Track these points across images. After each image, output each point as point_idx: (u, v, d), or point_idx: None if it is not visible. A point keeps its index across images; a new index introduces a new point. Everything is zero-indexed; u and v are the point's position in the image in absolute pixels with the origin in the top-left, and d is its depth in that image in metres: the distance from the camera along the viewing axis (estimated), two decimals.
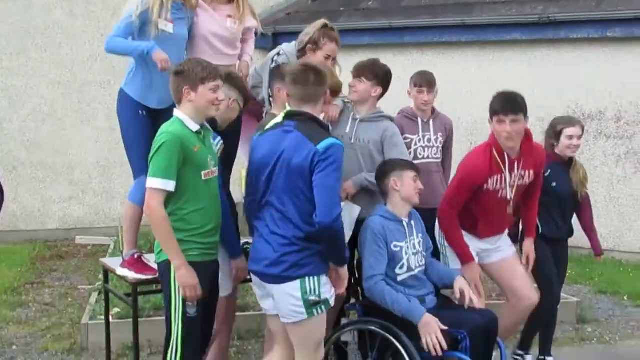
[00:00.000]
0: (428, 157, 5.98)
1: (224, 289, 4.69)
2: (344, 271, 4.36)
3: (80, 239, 10.65)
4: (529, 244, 5.49)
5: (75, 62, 10.99)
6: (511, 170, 5.10)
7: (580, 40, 10.04)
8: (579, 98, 10.06)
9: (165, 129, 4.19)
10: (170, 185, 4.11)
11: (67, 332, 6.71)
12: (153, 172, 4.12)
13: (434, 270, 5.08)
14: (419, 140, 5.95)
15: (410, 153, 5.76)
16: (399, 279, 4.79)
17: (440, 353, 4.53)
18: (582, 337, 6.73)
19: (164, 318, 4.32)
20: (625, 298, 8.17)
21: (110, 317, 5.93)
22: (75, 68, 11.01)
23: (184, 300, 4.18)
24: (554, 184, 5.68)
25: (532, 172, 5.20)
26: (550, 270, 5.73)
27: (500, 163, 5.07)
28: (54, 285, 8.41)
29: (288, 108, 4.41)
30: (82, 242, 10.57)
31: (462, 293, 4.88)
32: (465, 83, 10.42)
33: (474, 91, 10.52)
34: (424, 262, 5.00)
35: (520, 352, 5.92)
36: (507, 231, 5.49)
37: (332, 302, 4.29)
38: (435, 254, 5.32)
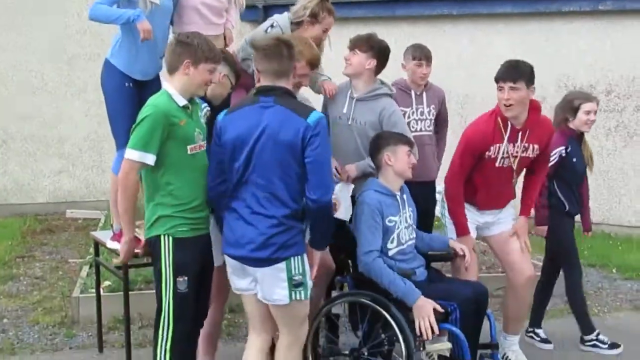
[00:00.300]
0: (421, 130, 5.97)
1: (216, 260, 4.69)
2: (318, 255, 4.28)
3: (71, 213, 10.63)
4: (521, 223, 5.39)
5: (65, 35, 10.92)
6: (513, 141, 5.09)
7: (572, 13, 10.03)
8: (570, 71, 10.06)
9: (152, 102, 4.16)
10: (148, 159, 4.09)
11: (57, 305, 6.71)
12: (133, 144, 4.10)
13: (419, 238, 5.11)
14: (412, 113, 5.93)
15: None
16: (390, 253, 4.79)
17: (430, 337, 4.56)
18: (570, 310, 6.76)
19: (154, 291, 4.30)
20: (614, 271, 8.23)
21: (101, 290, 5.94)
22: (65, 41, 10.93)
23: (175, 276, 4.17)
24: (574, 160, 5.70)
25: (536, 146, 5.17)
26: (575, 249, 5.83)
27: (504, 132, 5.06)
28: (44, 258, 8.41)
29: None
30: (73, 216, 10.56)
31: (463, 251, 5.02)
32: (457, 56, 10.40)
33: (465, 64, 10.51)
34: (414, 235, 5.02)
35: (592, 337, 5.92)
36: (510, 204, 5.46)
37: (309, 292, 4.19)
38: (423, 224, 5.35)
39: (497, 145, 5.08)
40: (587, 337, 5.91)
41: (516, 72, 4.99)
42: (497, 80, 5.04)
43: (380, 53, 5.33)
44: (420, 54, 5.96)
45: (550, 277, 6.11)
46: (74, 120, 11.06)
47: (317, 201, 3.99)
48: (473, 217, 5.33)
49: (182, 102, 4.20)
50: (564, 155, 5.67)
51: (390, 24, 10.47)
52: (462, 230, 5.24)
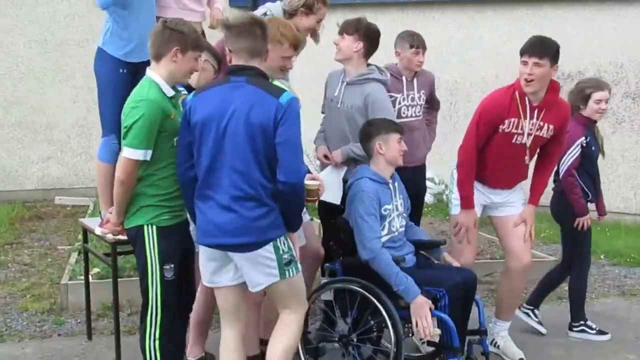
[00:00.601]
0: (411, 116, 5.96)
1: None
2: (296, 237, 4.18)
3: (60, 200, 10.61)
4: (529, 211, 5.36)
5: (53, 20, 10.86)
6: (529, 117, 5.07)
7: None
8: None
9: (145, 96, 4.10)
10: (149, 155, 4.11)
11: (46, 292, 6.71)
12: (136, 144, 4.07)
13: (411, 231, 5.14)
14: (403, 99, 5.92)
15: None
16: (382, 240, 4.79)
17: (428, 337, 4.60)
18: (559, 295, 6.79)
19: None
20: (601, 257, 8.27)
21: (90, 277, 5.93)
22: (53, 26, 10.88)
23: (162, 265, 4.17)
24: (593, 148, 5.70)
25: (551, 126, 5.14)
26: (590, 241, 5.84)
27: (520, 107, 5.04)
28: (33, 245, 8.39)
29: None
30: (62, 203, 10.53)
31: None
32: (445, 42, 10.40)
33: (454, 51, 10.52)
34: (404, 223, 5.04)
35: (580, 323, 5.95)
36: (520, 186, 5.44)
37: (299, 265, 4.12)
38: (413, 208, 5.36)
39: (513, 119, 5.06)
40: (575, 324, 5.95)
41: (543, 48, 4.98)
42: (522, 53, 5.01)
43: (368, 36, 5.36)
44: (418, 42, 5.94)
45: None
46: (63, 107, 11.01)
47: (287, 183, 3.88)
48: (481, 196, 5.32)
49: (170, 92, 4.19)
50: (584, 145, 5.66)
51: (379, 10, 10.45)
52: (466, 203, 5.22)
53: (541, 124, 5.11)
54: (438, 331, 4.69)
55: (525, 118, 5.07)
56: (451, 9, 10.63)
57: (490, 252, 7.72)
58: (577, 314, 5.96)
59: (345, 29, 5.39)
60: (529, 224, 5.36)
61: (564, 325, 6.02)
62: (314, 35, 5.61)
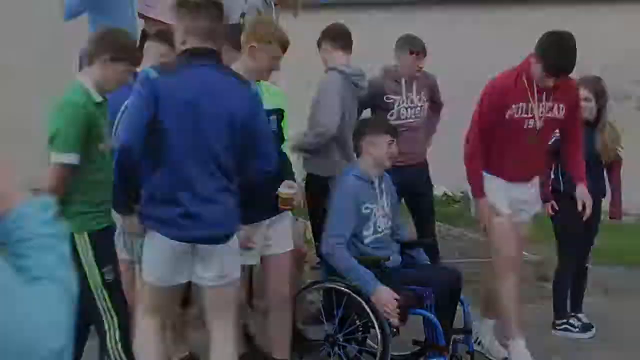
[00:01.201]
0: (410, 117, 5.98)
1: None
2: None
3: None
4: (580, 190, 5.26)
5: (34, 24, 10.80)
6: (538, 100, 5.02)
7: (543, 0, 10.09)
8: None
9: (69, 99, 4.02)
10: (78, 159, 3.98)
11: None
12: (65, 148, 3.96)
13: (397, 232, 5.17)
14: (402, 101, 5.94)
15: (393, 114, 5.82)
16: (366, 240, 4.81)
17: (398, 322, 4.59)
18: (542, 295, 6.82)
19: None
20: None
21: None
22: (36, 29, 10.82)
23: (101, 269, 4.09)
24: None
25: (562, 106, 5.08)
26: (574, 235, 5.82)
27: (529, 91, 4.99)
28: None
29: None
30: None
31: None
32: (431, 43, 10.40)
33: (440, 52, 10.51)
34: (390, 225, 5.04)
35: (563, 321, 6.01)
36: (536, 187, 5.39)
37: None
38: (419, 207, 5.42)
39: (521, 104, 4.98)
40: (558, 322, 5.98)
41: (570, 67, 4.95)
42: (549, 67, 4.88)
43: (323, 35, 5.61)
44: (419, 47, 5.98)
45: (580, 262, 6.14)
46: (44, 113, 10.92)
47: (269, 172, 3.89)
48: (504, 191, 5.18)
49: (98, 98, 4.09)
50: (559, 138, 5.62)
51: (363, 10, 10.46)
52: (476, 192, 5.14)
53: (551, 105, 5.05)
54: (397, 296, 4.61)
55: (534, 102, 5.00)
56: (436, 10, 10.66)
57: (476, 253, 7.73)
58: (560, 311, 5.98)
59: (318, 45, 5.66)
60: (588, 203, 5.25)
61: (547, 323, 6.05)
62: (294, 7, 5.75)
